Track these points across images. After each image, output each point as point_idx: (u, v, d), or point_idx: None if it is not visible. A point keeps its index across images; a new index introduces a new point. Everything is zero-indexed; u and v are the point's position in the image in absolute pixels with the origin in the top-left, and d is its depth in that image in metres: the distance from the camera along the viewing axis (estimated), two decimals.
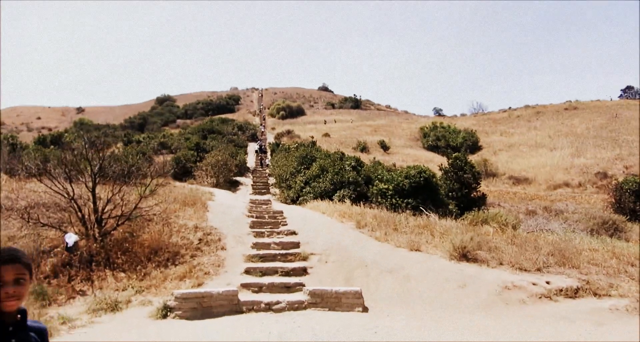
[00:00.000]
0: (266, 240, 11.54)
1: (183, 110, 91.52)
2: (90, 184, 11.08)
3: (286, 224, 13.24)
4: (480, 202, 24.85)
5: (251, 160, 36.84)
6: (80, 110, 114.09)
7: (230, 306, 7.89)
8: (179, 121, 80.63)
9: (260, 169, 33.55)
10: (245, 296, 8.47)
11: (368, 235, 12.40)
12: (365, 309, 8.04)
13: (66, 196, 10.69)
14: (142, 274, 9.82)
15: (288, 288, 8.93)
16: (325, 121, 75.11)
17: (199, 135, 42.14)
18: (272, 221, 13.72)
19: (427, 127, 63.00)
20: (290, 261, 10.45)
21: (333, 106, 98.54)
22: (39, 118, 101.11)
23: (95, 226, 10.87)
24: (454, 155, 27.10)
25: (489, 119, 74.86)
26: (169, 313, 7.66)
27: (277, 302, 8.04)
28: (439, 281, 9.16)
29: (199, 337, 6.46)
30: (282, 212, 15.18)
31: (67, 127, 76.83)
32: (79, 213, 10.75)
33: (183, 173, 27.13)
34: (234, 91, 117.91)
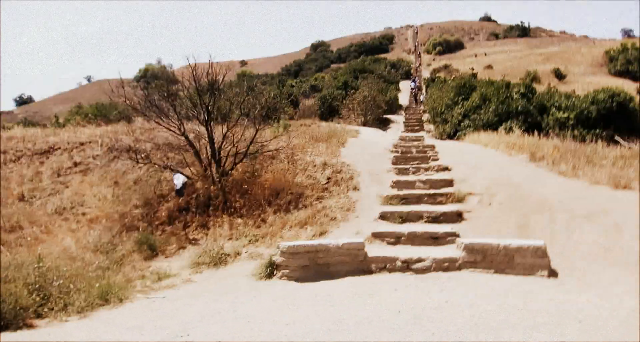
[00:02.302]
0: (410, 178, 9.19)
1: (337, 55, 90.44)
2: (202, 118, 9.66)
3: (437, 159, 10.69)
4: None
5: (404, 98, 34.15)
6: (243, 63, 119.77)
7: (354, 263, 5.84)
8: (333, 66, 79.83)
9: (414, 106, 30.83)
10: (376, 249, 6.35)
11: (548, 169, 9.36)
12: (552, 273, 5.40)
13: (177, 132, 9.45)
14: (260, 219, 8.24)
15: (436, 239, 6.58)
16: (485, 54, 68.00)
17: (349, 75, 40.27)
18: (420, 155, 11.26)
19: (614, 50, 53.14)
20: (441, 203, 8.02)
21: (497, 37, 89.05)
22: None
23: (213, 165, 9.53)
24: None
25: None
26: (275, 271, 5.88)
27: (419, 260, 5.77)
28: None
29: (295, 311, 4.50)
30: (433, 146, 12.59)
31: (232, 79, 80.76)
32: (194, 151, 9.49)
33: (329, 112, 25.51)
34: (388, 31, 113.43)
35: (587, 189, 8.02)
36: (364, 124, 22.75)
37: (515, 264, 5.49)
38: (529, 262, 5.45)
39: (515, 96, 17.93)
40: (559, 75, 45.54)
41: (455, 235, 6.56)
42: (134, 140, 11.46)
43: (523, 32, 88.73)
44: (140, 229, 8.23)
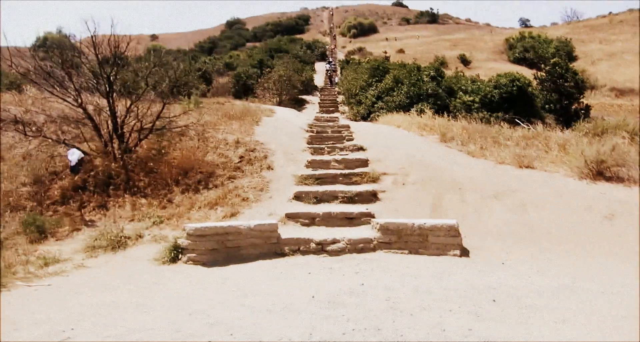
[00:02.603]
0: (325, 157, 8.98)
1: (252, 33, 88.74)
2: (103, 89, 8.82)
3: (352, 139, 10.58)
4: (583, 115, 21.45)
5: (319, 79, 34.02)
6: (154, 37, 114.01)
7: (266, 245, 5.52)
8: (248, 44, 78.16)
9: (329, 87, 30.80)
10: (290, 230, 6.07)
11: (458, 149, 9.55)
12: (464, 253, 5.41)
13: (74, 103, 8.57)
14: (166, 200, 7.68)
15: (351, 220, 6.42)
16: (396, 38, 69.52)
17: (265, 54, 39.46)
18: (336, 135, 11.10)
19: (513, 38, 56.47)
20: (356, 183, 7.88)
21: (408, 22, 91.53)
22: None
23: (115, 140, 8.77)
24: (552, 61, 23.15)
25: (585, 27, 66.23)
26: (180, 255, 5.43)
27: (334, 241, 5.57)
28: (572, 209, 6.31)
29: (200, 298, 4.11)
30: (348, 126, 12.50)
31: (141, 54, 76.52)
32: (93, 125, 8.67)
33: (244, 91, 24.80)
34: (304, 11, 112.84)
35: (494, 168, 8.26)
36: (279, 103, 22.37)
37: (429, 244, 5.45)
38: (442, 241, 5.42)
39: (425, 79, 18.34)
40: (465, 61, 47.77)
41: (370, 215, 6.43)
42: (24, 111, 10.31)
43: (432, 18, 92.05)
44: (28, 209, 7.38)
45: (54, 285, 4.71)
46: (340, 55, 50.92)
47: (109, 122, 8.87)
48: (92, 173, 8.28)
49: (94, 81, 9.07)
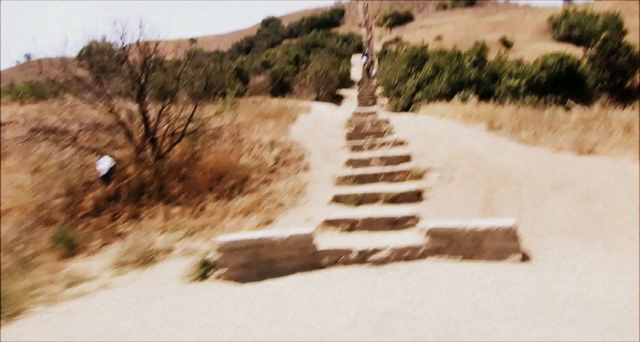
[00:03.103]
0: (365, 155, 8.45)
1: (288, 30, 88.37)
2: (135, 94, 8.56)
3: (393, 133, 10.00)
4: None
5: (357, 73, 33.33)
6: (193, 41, 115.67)
7: (303, 257, 5.05)
8: (285, 41, 77.92)
9: (367, 80, 30.10)
10: (329, 239, 5.59)
11: (509, 138, 8.83)
12: (525, 257, 4.78)
13: (105, 109, 8.35)
14: (200, 208, 7.34)
15: (394, 224, 5.87)
16: (433, 25, 67.68)
17: (301, 50, 39.00)
18: (375, 130, 10.53)
19: (556, 16, 53.93)
20: (399, 181, 7.32)
21: (445, 7, 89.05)
22: (156, 51, 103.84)
23: (148, 146, 8.51)
24: (602, 36, 21.78)
25: None
26: (210, 271, 5.03)
27: (376, 250, 5.04)
28: None
29: (228, 319, 3.67)
30: (388, 120, 11.90)
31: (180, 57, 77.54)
32: (125, 131, 8.44)
33: (282, 89, 24.44)
34: (338, 5, 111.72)
35: (551, 156, 7.53)
36: (317, 99, 21.91)
37: (484, 248, 4.84)
38: (499, 245, 4.81)
39: (467, 65, 17.52)
40: (507, 44, 45.84)
41: (415, 218, 5.86)
42: (61, 121, 10.22)
43: (470, 1, 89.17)
44: (60, 223, 7.18)
45: (72, 310, 4.39)
46: (377, 47, 49.94)
47: (142, 127, 8.63)
48: (125, 182, 8.05)
49: (126, 85, 8.84)
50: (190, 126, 8.63)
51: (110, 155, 8.20)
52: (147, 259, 5.79)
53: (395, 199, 6.62)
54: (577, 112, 10.29)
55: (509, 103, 13.35)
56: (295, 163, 8.22)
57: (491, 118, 10.03)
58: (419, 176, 7.35)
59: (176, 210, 7.41)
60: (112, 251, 6.42)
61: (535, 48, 45.72)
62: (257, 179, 7.84)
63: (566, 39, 49.12)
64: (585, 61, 19.06)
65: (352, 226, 5.92)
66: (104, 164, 7.50)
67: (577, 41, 45.81)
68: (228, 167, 8.14)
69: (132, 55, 8.87)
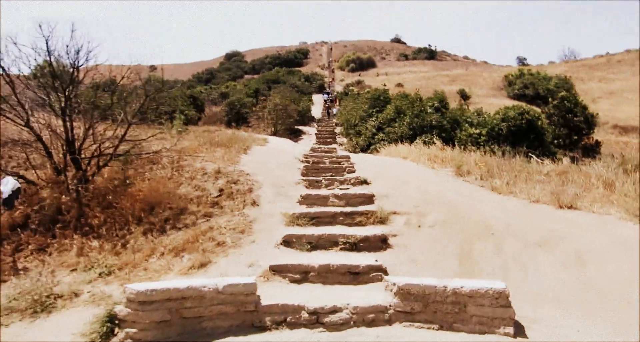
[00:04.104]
0: (323, 192, 7.47)
1: (251, 65, 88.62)
2: (59, 107, 7.34)
3: (354, 171, 9.11)
4: (593, 150, 20.70)
5: (317, 111, 32.87)
6: (152, 68, 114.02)
7: (240, 315, 3.94)
8: (246, 76, 77.65)
9: (327, 118, 29.66)
10: (275, 291, 4.50)
11: (479, 185, 8.08)
12: (519, 329, 3.84)
13: (19, 122, 7.09)
14: (122, 243, 6.11)
15: (355, 275, 4.86)
16: (386, 73, 69.06)
17: (262, 84, 38.34)
18: (335, 166, 9.62)
19: (512, 75, 56.32)
20: (360, 223, 6.35)
21: (406, 57, 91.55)
22: (114, 76, 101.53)
23: (70, 168, 7.27)
24: (560, 95, 22.58)
25: (583, 66, 66.35)
26: (117, 329, 3.84)
27: (334, 310, 4.00)
28: None
29: None
30: (348, 157, 11.05)
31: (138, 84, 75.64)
32: (45, 148, 7.17)
33: (238, 120, 23.47)
34: (303, 45, 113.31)
35: (529, 208, 6.78)
36: (274, 133, 21.11)
37: (467, 316, 3.88)
38: (487, 313, 3.86)
39: (429, 110, 17.18)
40: (464, 96, 47.31)
41: (381, 270, 4.89)
42: None
43: (430, 54, 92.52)
44: None
45: None
46: (339, 88, 50.07)
47: (64, 146, 7.38)
48: (36, 207, 6.75)
49: (48, 97, 7.59)
50: (122, 147, 7.46)
51: (19, 176, 6.93)
52: (42, 306, 4.52)
53: (356, 245, 5.63)
54: (548, 164, 9.74)
55: (469, 151, 12.90)
56: (242, 196, 7.13)
57: (458, 163, 9.34)
58: (383, 220, 6.41)
59: (94, 244, 6.17)
60: (6, 291, 5.10)
61: (491, 102, 47.19)
62: (195, 212, 6.70)
63: (520, 97, 51.22)
64: (543, 117, 19.29)
65: (304, 275, 4.87)
66: (7, 185, 6.20)
67: (530, 100, 47.75)
68: (163, 196, 6.98)
69: (59, 65, 7.67)
